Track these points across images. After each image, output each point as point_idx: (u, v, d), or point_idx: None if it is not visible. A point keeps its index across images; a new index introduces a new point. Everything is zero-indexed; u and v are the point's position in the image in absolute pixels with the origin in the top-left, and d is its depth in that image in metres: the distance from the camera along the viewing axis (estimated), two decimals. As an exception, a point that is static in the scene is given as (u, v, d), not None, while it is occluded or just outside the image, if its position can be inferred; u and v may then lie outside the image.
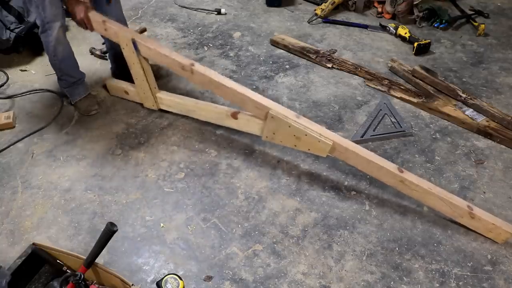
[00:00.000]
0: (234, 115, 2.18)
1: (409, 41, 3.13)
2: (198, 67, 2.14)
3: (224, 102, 2.54)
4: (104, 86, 2.68)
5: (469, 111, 2.50)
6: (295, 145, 2.04)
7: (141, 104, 2.55)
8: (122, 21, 2.56)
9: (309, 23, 3.43)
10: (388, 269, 1.78)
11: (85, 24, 2.26)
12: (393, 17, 3.48)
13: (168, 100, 2.43)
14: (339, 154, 1.98)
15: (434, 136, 2.41)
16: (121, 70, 2.70)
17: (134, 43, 2.21)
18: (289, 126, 1.99)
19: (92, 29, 2.30)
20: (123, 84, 2.59)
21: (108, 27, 2.25)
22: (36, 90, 2.69)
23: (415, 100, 2.61)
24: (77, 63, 2.48)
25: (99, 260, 1.59)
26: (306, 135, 1.97)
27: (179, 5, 3.61)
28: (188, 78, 2.19)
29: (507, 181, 2.15)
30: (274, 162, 2.25)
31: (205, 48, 3.10)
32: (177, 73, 2.22)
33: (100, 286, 1.51)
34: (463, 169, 2.22)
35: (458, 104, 2.56)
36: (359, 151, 1.94)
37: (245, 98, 2.06)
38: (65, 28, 2.29)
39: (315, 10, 3.52)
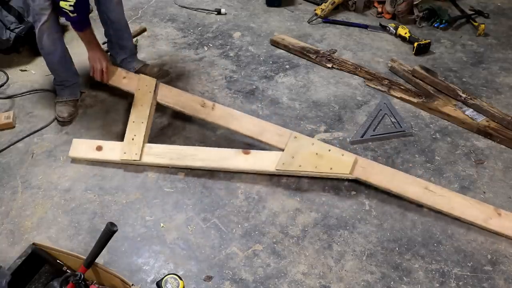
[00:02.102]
0: (246, 152, 2.14)
1: (409, 41, 3.13)
2: (218, 104, 2.32)
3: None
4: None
5: (469, 111, 2.50)
6: (316, 166, 2.04)
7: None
8: (123, 23, 2.56)
9: (309, 23, 3.43)
10: (388, 269, 1.78)
11: (102, 75, 2.43)
12: (393, 17, 3.48)
13: (157, 148, 2.20)
14: (361, 170, 2.03)
15: (434, 136, 2.41)
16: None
17: (156, 85, 2.36)
18: (313, 144, 2.09)
19: (107, 81, 2.45)
20: (93, 143, 2.24)
21: (129, 77, 2.46)
22: (36, 90, 2.69)
23: (415, 100, 2.61)
24: (66, 66, 2.43)
25: (99, 260, 1.59)
26: (329, 150, 2.07)
27: (179, 5, 3.61)
28: (207, 115, 2.27)
29: (507, 181, 2.15)
30: (274, 162, 2.24)
31: (205, 48, 3.10)
32: (193, 114, 2.31)
33: (100, 286, 1.51)
34: (463, 169, 2.22)
35: (458, 104, 2.56)
36: (380, 165, 2.06)
37: (266, 126, 2.20)
38: (54, 23, 2.22)
39: (315, 10, 3.52)
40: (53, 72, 2.46)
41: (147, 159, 2.17)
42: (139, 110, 2.29)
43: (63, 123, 2.44)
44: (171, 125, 2.46)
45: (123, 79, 2.45)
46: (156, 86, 2.36)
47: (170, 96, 2.36)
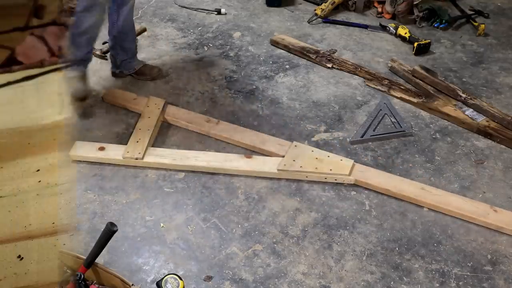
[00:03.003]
0: (248, 156, 2.20)
1: (409, 41, 3.13)
2: (222, 121, 2.41)
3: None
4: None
5: (469, 111, 2.50)
6: (316, 167, 2.12)
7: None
8: (131, 25, 2.57)
9: (309, 23, 3.43)
10: (388, 269, 1.78)
11: None
12: (393, 17, 3.48)
13: (161, 150, 2.24)
14: (359, 174, 2.11)
15: (434, 136, 2.41)
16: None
17: (164, 104, 2.46)
18: (312, 151, 2.21)
19: None
20: (96, 144, 2.27)
21: (139, 98, 2.53)
22: (36, 90, 2.68)
23: (415, 100, 2.61)
24: (89, 45, 2.43)
25: (99, 260, 1.58)
26: (328, 156, 2.18)
27: (179, 5, 3.61)
28: (210, 129, 2.35)
29: (507, 181, 2.15)
30: (274, 162, 2.24)
31: (205, 48, 3.10)
32: (198, 129, 2.37)
33: (100, 286, 1.51)
34: (463, 169, 2.22)
35: (458, 104, 2.56)
36: (377, 170, 2.15)
37: (267, 138, 2.32)
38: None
39: (315, 10, 3.52)
40: (72, 47, 2.33)
41: (149, 159, 2.19)
42: (146, 120, 2.36)
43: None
44: (171, 125, 2.45)
45: (133, 100, 2.54)
46: (165, 105, 2.46)
47: (178, 114, 2.45)
